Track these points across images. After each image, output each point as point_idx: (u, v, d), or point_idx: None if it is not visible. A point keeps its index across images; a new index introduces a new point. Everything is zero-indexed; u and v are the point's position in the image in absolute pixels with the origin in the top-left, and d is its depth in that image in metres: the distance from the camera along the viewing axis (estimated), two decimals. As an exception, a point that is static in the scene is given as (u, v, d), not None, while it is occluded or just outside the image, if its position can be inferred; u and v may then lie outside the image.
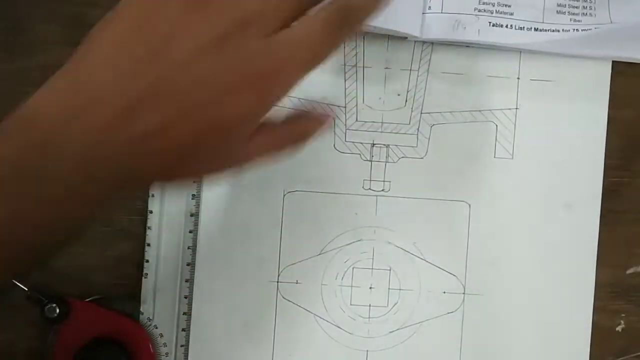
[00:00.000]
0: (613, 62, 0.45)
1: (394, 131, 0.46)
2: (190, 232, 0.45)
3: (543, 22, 0.44)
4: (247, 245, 0.45)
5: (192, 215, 0.45)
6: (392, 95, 0.46)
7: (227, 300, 0.45)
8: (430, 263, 0.45)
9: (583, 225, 0.45)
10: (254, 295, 0.45)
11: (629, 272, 0.46)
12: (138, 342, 0.43)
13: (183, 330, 0.45)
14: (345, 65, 0.45)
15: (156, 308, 0.44)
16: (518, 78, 0.45)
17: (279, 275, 0.45)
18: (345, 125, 0.45)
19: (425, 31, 0.44)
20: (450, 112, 0.45)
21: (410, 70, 0.46)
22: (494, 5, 0.44)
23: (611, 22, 0.44)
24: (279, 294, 0.45)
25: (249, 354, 0.45)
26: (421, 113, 0.46)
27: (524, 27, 0.44)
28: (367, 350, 0.45)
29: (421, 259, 0.45)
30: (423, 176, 0.45)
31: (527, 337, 0.45)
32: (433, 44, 0.45)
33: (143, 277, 0.44)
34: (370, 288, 0.45)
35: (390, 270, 0.45)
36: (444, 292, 0.45)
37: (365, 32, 0.45)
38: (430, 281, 0.45)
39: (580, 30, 0.44)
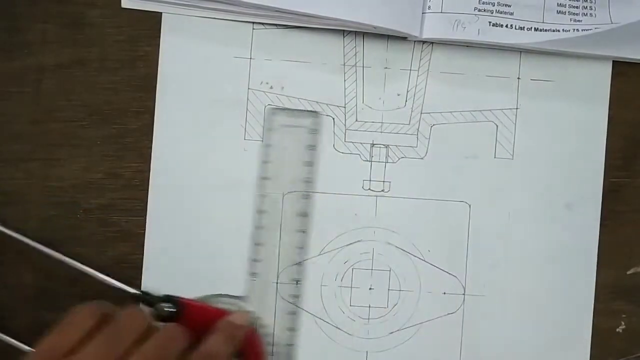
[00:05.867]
0: (613, 62, 0.45)
1: (393, 131, 0.45)
2: (303, 232, 0.45)
3: (543, 22, 0.44)
4: (246, 245, 0.45)
5: (304, 215, 0.45)
6: (392, 95, 0.46)
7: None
8: (430, 264, 0.45)
9: (583, 225, 0.45)
10: (253, 295, 0.45)
11: (629, 272, 0.46)
12: (247, 341, 0.43)
13: (289, 329, 0.45)
14: (345, 65, 0.45)
15: (263, 308, 0.45)
16: (518, 78, 0.45)
17: (278, 276, 0.45)
18: (345, 125, 0.45)
19: (425, 31, 0.44)
20: (450, 112, 0.45)
21: (410, 70, 0.45)
22: (494, 5, 0.44)
23: (611, 22, 0.44)
24: (278, 294, 0.45)
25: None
26: (421, 113, 0.45)
27: (524, 27, 0.44)
28: (366, 352, 0.45)
29: (421, 259, 0.45)
30: (423, 176, 0.45)
31: (528, 338, 0.45)
32: (433, 43, 0.45)
33: (251, 278, 0.44)
34: (370, 289, 0.45)
35: (390, 271, 0.45)
36: (444, 293, 0.45)
37: (365, 32, 0.45)
38: (430, 282, 0.45)
39: (580, 30, 0.44)
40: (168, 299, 0.42)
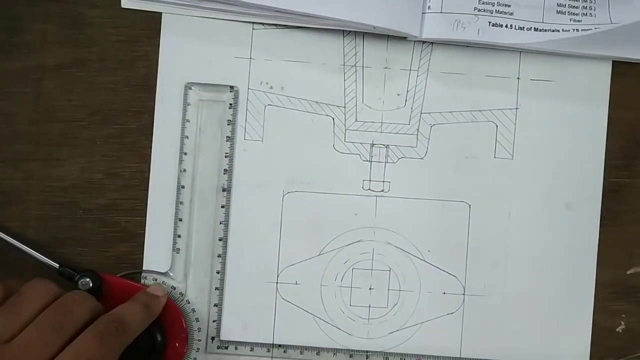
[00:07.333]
0: (613, 62, 0.45)
1: (393, 131, 0.45)
2: (223, 207, 0.45)
3: (543, 22, 0.44)
4: (247, 245, 0.45)
5: (224, 190, 0.45)
6: (392, 95, 0.46)
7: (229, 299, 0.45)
8: (430, 264, 0.45)
9: (583, 225, 0.45)
10: (253, 295, 0.45)
11: (629, 272, 0.46)
12: (170, 316, 0.43)
13: (215, 305, 0.45)
14: (345, 65, 0.45)
15: (188, 283, 0.45)
16: (518, 78, 0.45)
17: (278, 276, 0.45)
18: (345, 125, 0.45)
19: (425, 31, 0.44)
20: (450, 112, 0.45)
21: (410, 70, 0.45)
22: (493, 5, 0.44)
23: (611, 22, 0.44)
24: (278, 294, 0.45)
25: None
26: (421, 113, 0.45)
27: (524, 27, 0.44)
28: (366, 352, 0.45)
29: (421, 259, 0.45)
30: (423, 176, 0.45)
31: (527, 337, 0.45)
32: (433, 44, 0.45)
33: (175, 252, 0.44)
34: (370, 289, 0.45)
35: (390, 271, 0.45)
36: (444, 293, 0.45)
37: (365, 32, 0.45)
38: (430, 282, 0.45)
39: (580, 30, 0.44)
40: (88, 274, 0.42)
